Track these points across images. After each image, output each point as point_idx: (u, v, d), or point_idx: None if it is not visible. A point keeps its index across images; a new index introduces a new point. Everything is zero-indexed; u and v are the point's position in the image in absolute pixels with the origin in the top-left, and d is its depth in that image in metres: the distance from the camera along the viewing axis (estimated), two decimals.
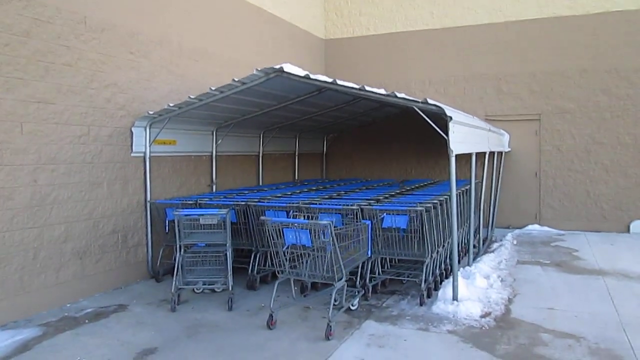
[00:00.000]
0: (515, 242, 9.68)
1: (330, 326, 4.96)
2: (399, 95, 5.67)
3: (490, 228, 10.37)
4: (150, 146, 7.24)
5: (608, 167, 10.83)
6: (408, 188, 8.77)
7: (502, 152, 10.84)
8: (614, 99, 10.75)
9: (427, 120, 5.65)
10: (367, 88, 5.79)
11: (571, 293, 6.39)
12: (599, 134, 10.88)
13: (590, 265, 7.80)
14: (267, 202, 6.81)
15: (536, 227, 11.19)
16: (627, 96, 10.66)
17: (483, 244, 9.18)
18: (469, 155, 6.90)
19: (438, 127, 5.75)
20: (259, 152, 10.23)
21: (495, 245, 9.40)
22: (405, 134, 12.35)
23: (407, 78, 12.13)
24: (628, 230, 10.64)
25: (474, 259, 7.67)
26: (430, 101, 5.49)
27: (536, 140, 11.38)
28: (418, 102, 5.58)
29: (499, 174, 10.77)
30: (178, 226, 5.94)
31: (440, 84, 11.91)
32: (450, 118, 5.45)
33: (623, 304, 5.90)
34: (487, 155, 8.50)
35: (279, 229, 5.11)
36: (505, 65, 11.48)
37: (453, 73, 11.85)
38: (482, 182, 9.13)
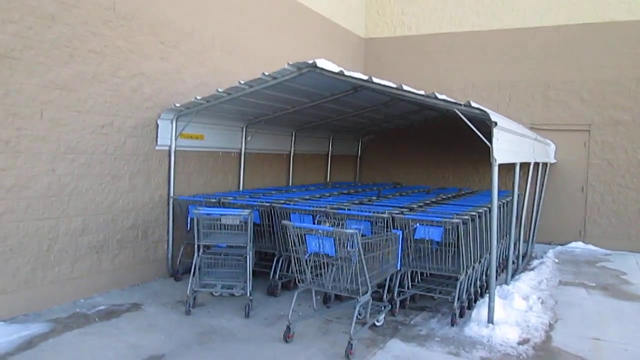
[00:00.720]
0: (557, 260, 9.07)
1: (352, 344, 4.56)
2: (439, 96, 5.23)
3: (530, 243, 9.76)
4: (176, 140, 7.01)
5: None
6: (443, 197, 8.28)
7: (547, 164, 10.21)
8: None
9: (469, 125, 5.19)
10: (405, 87, 5.37)
11: (620, 322, 5.81)
12: None
13: None
14: (293, 205, 6.49)
15: (580, 244, 10.52)
16: None
17: (522, 260, 8.60)
18: (512, 164, 6.40)
19: (481, 133, 5.29)
20: (290, 151, 9.95)
21: (535, 262, 8.83)
22: (443, 140, 11.86)
23: (449, 81, 11.61)
24: None
25: (512, 277, 7.15)
26: (473, 104, 5.04)
27: (584, 153, 10.70)
28: (460, 104, 5.13)
29: (543, 186, 10.14)
30: (197, 225, 5.66)
31: (484, 88, 11.36)
32: (495, 124, 4.99)
33: None
34: (531, 166, 7.95)
35: (302, 235, 4.76)
36: (554, 71, 10.84)
37: (498, 78, 11.27)
38: (524, 194, 8.58)
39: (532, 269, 8.16)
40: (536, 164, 8.97)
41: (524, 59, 11.07)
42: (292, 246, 4.82)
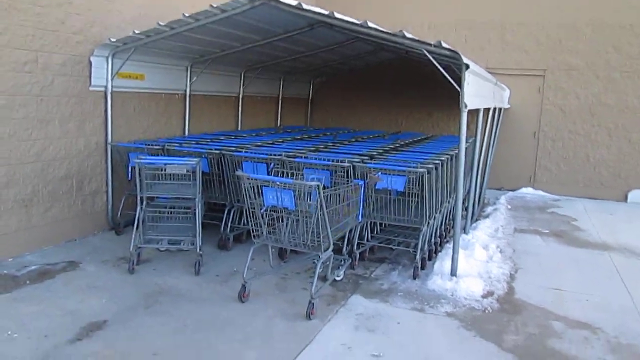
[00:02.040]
0: (509, 207, 9.09)
1: (313, 303, 4.27)
2: (407, 35, 4.79)
3: (482, 190, 9.73)
4: (112, 80, 6.33)
5: (612, 130, 10.18)
6: (400, 143, 8.01)
7: (501, 109, 10.07)
8: (625, 57, 9.98)
9: (437, 68, 4.81)
10: (370, 24, 4.89)
11: (577, 270, 5.81)
12: (606, 95, 10.16)
13: (593, 238, 7.23)
14: (245, 152, 6.04)
15: (530, 190, 10.61)
16: (639, 56, 9.89)
17: (477, 207, 8.54)
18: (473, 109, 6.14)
19: (446, 76, 4.93)
20: (238, 94, 9.40)
21: (489, 209, 8.81)
22: (397, 83, 11.52)
23: (404, 21, 11.12)
24: (626, 200, 10.12)
25: (470, 225, 7.04)
26: (444, 44, 4.64)
27: (538, 98, 10.63)
28: (429, 44, 4.73)
29: (496, 132, 10.04)
30: (140, 175, 5.13)
31: (441, 30, 10.95)
32: (467, 66, 4.63)
33: (636, 287, 5.33)
34: (490, 112, 7.75)
35: (258, 187, 4.34)
36: (512, 12, 10.54)
37: (456, 17, 10.88)
38: (482, 140, 8.44)
39: (487, 216, 8.12)
40: (493, 110, 8.80)
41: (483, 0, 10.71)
42: (246, 199, 4.41)
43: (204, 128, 8.46)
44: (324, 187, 4.62)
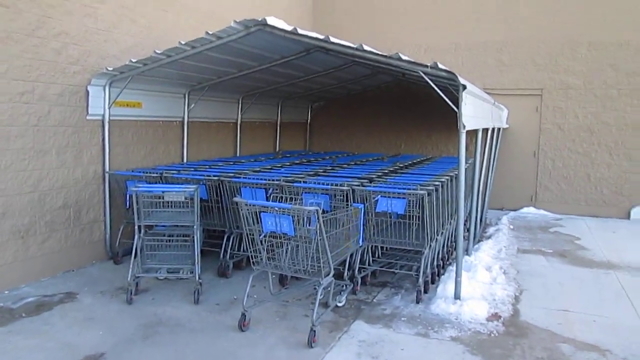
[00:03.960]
0: (512, 227, 9.03)
1: (315, 331, 4.19)
2: (403, 57, 4.81)
3: (483, 210, 9.69)
4: (109, 108, 6.35)
5: (612, 149, 10.17)
6: (400, 165, 8.00)
7: (500, 129, 10.09)
8: (623, 75, 10.03)
9: (435, 89, 4.82)
10: (366, 47, 4.91)
11: (583, 291, 5.72)
12: (605, 113, 10.18)
13: (597, 257, 7.16)
14: (243, 178, 6.02)
15: (531, 210, 10.56)
16: (637, 73, 9.93)
17: (479, 228, 8.49)
18: (471, 130, 6.15)
19: (444, 98, 4.93)
20: (237, 119, 9.43)
21: (491, 229, 8.75)
22: (396, 106, 11.57)
23: (401, 43, 11.22)
24: (628, 217, 10.06)
25: (473, 246, 6.98)
26: (440, 66, 4.65)
27: (536, 118, 10.65)
28: (426, 66, 4.74)
29: (496, 151, 10.04)
30: (137, 203, 5.10)
31: (438, 51, 11.04)
32: (464, 87, 4.64)
33: None
34: (489, 132, 7.76)
35: (256, 213, 4.30)
36: (509, 33, 10.63)
37: (453, 40, 10.98)
38: (482, 160, 8.44)
39: (490, 237, 8.05)
40: (492, 130, 8.81)
41: (481, 20, 10.80)
42: (245, 225, 4.36)
43: (202, 155, 8.46)
44: (323, 212, 4.60)
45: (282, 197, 5.34)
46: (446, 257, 6.51)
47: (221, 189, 5.98)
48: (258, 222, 4.33)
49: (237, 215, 5.84)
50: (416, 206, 5.18)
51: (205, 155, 8.56)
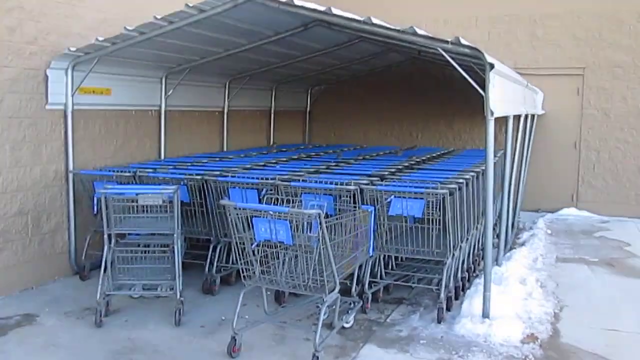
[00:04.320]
0: (549, 231, 9.04)
1: (317, 357, 4.19)
2: (419, 31, 4.80)
3: (515, 212, 9.67)
4: (73, 96, 6.36)
5: None
6: (416, 160, 8.00)
7: (534, 115, 10.07)
8: None
9: (457, 69, 4.81)
10: (375, 21, 4.91)
11: (635, 306, 5.73)
12: None
13: None
14: (232, 177, 6.05)
15: (572, 211, 10.57)
16: None
17: (511, 233, 8.48)
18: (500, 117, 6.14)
19: (468, 79, 4.93)
20: (223, 108, 9.45)
21: (525, 234, 8.78)
22: (411, 90, 11.60)
23: (416, 17, 11.17)
24: None
25: (504, 255, 6.99)
26: (463, 41, 4.65)
27: (577, 102, 10.65)
28: (446, 42, 4.74)
29: (529, 143, 10.02)
30: (107, 208, 5.11)
31: (460, 25, 11.02)
32: (492, 66, 4.63)
33: None
34: (521, 119, 7.74)
35: (247, 219, 4.31)
36: (543, 2, 10.62)
37: (476, 12, 10.97)
38: (505, 154, 8.46)
39: (523, 244, 8.08)
40: (525, 117, 8.81)
41: None
42: (234, 233, 4.37)
43: (183, 150, 8.48)
44: (326, 216, 4.58)
45: (277, 199, 5.33)
46: (472, 269, 6.51)
47: (206, 190, 5.98)
48: (249, 229, 4.32)
49: (225, 220, 5.82)
50: (436, 208, 5.18)
51: (187, 150, 8.57)
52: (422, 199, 5.16)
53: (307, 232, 4.29)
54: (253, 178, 5.94)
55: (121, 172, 6.24)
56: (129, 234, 5.63)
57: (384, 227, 5.41)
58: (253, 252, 4.38)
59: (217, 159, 7.91)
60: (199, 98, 8.82)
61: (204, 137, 9.07)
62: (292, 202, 5.01)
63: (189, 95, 8.53)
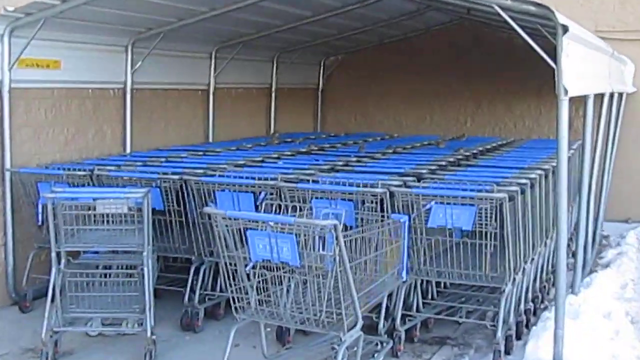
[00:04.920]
0: None
1: None
2: None
3: (597, 223, 9.60)
4: (11, 70, 6.47)
5: None
6: (465, 154, 8.01)
7: (622, 94, 10.02)
8: None
9: (519, 34, 4.80)
10: None
11: None
12: None
13: None
14: (220, 177, 6.09)
15: None
16: None
17: (591, 250, 8.45)
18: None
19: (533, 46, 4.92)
20: (208, 85, 9.54)
21: (610, 252, 8.78)
22: (458, 61, 11.61)
23: None
24: None
25: (582, 280, 6.96)
26: None
27: None
28: None
29: (616, 131, 9.97)
30: (55, 218, 5.13)
31: None
32: (565, 29, 4.60)
33: None
34: (605, 99, 7.72)
35: (240, 231, 4.32)
36: None
37: None
38: (583, 145, 8.45)
39: (608, 265, 8.07)
40: (610, 96, 8.77)
41: None
42: (222, 251, 4.39)
43: (155, 141, 8.56)
44: (345, 228, 4.60)
45: (280, 206, 5.35)
46: (540, 298, 6.53)
47: (185, 193, 6.03)
48: (243, 245, 4.34)
49: (211, 234, 5.85)
50: (492, 218, 5.20)
51: (160, 141, 8.65)
52: (472, 205, 5.16)
53: (319, 249, 4.30)
54: (248, 178, 5.98)
55: (74, 170, 6.29)
56: (84, 251, 5.66)
57: (421, 242, 5.42)
58: (248, 275, 4.41)
59: (201, 153, 7.96)
60: (176, 72, 8.90)
61: (183, 124, 9.16)
62: (300, 210, 5.02)
63: (163, 69, 8.61)
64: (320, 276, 4.34)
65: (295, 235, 4.22)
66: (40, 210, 6.22)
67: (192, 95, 9.31)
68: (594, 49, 6.18)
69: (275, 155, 7.73)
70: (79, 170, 6.29)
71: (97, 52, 7.54)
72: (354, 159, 7.46)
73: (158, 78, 8.52)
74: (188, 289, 6.07)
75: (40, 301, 6.31)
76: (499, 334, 5.23)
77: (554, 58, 4.70)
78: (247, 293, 4.44)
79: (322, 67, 12.42)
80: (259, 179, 5.91)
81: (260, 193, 5.77)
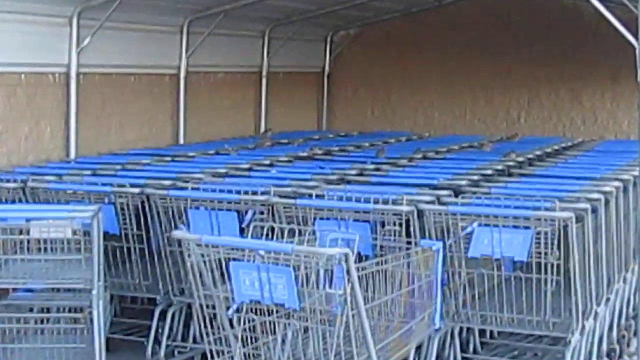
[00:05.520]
0: None
1: None
2: None
3: None
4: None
5: None
6: (518, 159, 8.01)
7: None
8: None
9: (590, 2, 4.81)
10: None
11: None
12: None
13: None
14: (194, 190, 6.11)
15: None
16: None
17: None
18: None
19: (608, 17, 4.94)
20: (178, 68, 9.56)
21: None
22: (507, 38, 11.61)
23: None
24: None
25: None
26: None
27: None
28: None
29: None
30: None
31: None
32: None
33: None
34: None
35: (221, 263, 4.33)
36: None
37: None
38: None
39: None
40: None
41: None
42: (196, 288, 4.40)
43: (109, 142, 8.60)
44: (359, 259, 4.61)
45: (273, 230, 5.36)
46: (617, 352, 6.47)
47: (148, 212, 6.06)
48: (224, 282, 4.35)
49: (182, 267, 5.87)
50: (553, 245, 5.18)
51: (116, 142, 8.70)
52: (528, 228, 5.15)
53: (324, 287, 4.31)
54: (230, 192, 5.97)
55: (1, 181, 6.30)
56: (13, 289, 5.67)
57: (460, 278, 5.42)
58: (231, 321, 4.42)
59: (168, 158, 7.98)
60: (136, 51, 8.93)
61: (144, 120, 9.22)
62: (300, 235, 5.03)
63: (118, 47, 8.63)
64: (326, 322, 4.36)
65: (294, 268, 4.23)
66: None
67: (157, 82, 9.34)
68: None
69: (267, 162, 7.74)
70: (7, 181, 6.30)
71: (30, 25, 7.58)
72: (371, 166, 7.45)
73: (112, 59, 8.56)
74: (151, 338, 6.08)
75: None
76: None
77: (635, 33, 4.72)
78: (229, 345, 4.46)
79: (328, 45, 12.43)
80: (246, 193, 5.89)
81: (246, 212, 5.78)
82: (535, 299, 5.39)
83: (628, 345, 6.76)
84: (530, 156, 8.26)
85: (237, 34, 10.41)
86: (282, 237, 4.87)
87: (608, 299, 6.08)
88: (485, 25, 11.70)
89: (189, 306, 6.05)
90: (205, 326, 4.46)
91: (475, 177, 6.72)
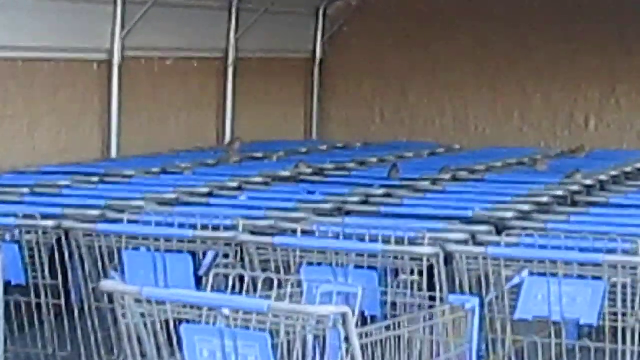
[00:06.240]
0: None
1: None
2: None
3: None
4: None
5: None
6: (584, 182, 8.05)
7: None
8: None
9: None
10: None
11: None
12: None
13: None
14: (131, 224, 6.13)
15: None
16: None
17: None
18: None
19: None
20: (110, 54, 9.60)
21: None
22: (568, 15, 11.65)
23: None
24: None
25: None
26: None
27: None
28: None
29: None
30: None
31: None
32: None
33: None
34: None
35: (168, 326, 4.35)
36: None
37: None
38: None
39: None
40: None
41: None
42: (133, 359, 4.42)
43: (13, 156, 8.60)
44: (363, 320, 4.62)
45: (242, 279, 5.39)
46: None
47: (67, 254, 6.05)
48: (173, 353, 4.36)
49: (113, 331, 5.88)
50: (634, 302, 5.18)
51: (22, 156, 8.72)
52: (599, 279, 5.17)
53: (315, 358, 4.31)
54: (183, 226, 5.99)
55: None
56: None
57: (504, 348, 5.42)
58: None
59: (96, 178, 8.03)
60: (52, 32, 9.01)
61: (63, 125, 9.23)
62: (280, 287, 5.06)
63: (29, 28, 8.69)
64: None
65: (271, 333, 4.24)
66: None
67: (80, 72, 9.37)
68: None
69: (234, 184, 7.77)
70: None
71: None
72: (380, 191, 7.47)
73: (21, 41, 8.64)
74: None
75: None
76: None
77: None
78: None
79: (321, 20, 12.47)
80: (204, 227, 5.93)
81: (204, 254, 5.79)
82: None
83: None
84: (602, 178, 8.28)
85: (193, 4, 10.44)
86: (255, 290, 4.89)
87: None
88: (515, 17, 11.78)
89: None
90: None
91: (526, 207, 6.73)
